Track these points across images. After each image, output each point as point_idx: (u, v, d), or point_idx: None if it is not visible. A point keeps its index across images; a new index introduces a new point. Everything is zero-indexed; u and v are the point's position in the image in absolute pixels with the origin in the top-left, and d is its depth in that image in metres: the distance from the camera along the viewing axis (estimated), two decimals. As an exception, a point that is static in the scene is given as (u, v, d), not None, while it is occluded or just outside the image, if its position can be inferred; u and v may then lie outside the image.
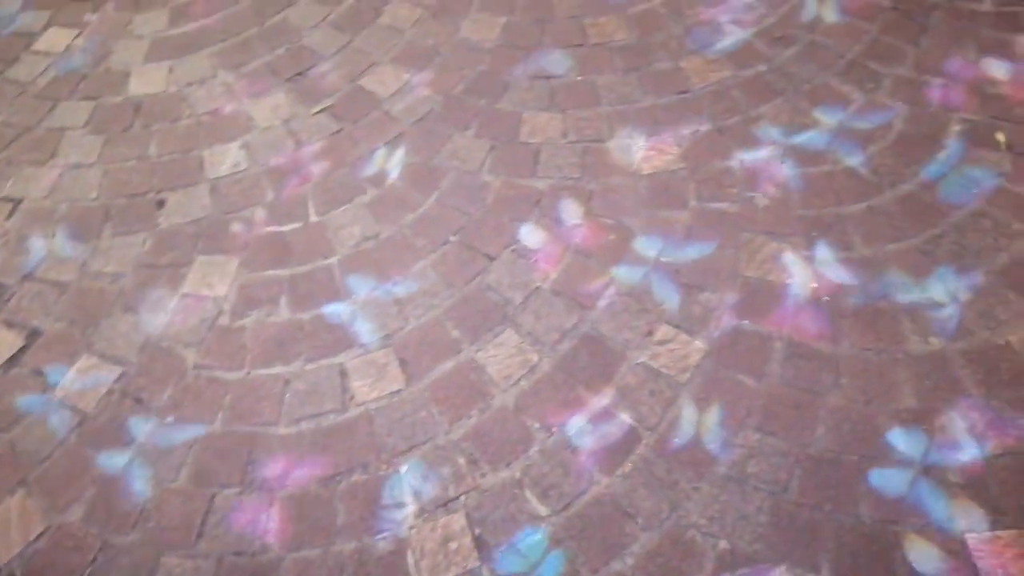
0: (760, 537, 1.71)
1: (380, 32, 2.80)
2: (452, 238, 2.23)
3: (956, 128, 2.39)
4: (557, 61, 2.64)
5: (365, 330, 2.06)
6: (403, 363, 1.98)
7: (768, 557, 1.68)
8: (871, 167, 2.30)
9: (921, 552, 1.67)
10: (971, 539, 1.69)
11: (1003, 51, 2.55)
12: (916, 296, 2.05)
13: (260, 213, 2.34)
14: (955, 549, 1.67)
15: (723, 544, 1.70)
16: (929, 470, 1.79)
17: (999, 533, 1.70)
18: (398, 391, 1.94)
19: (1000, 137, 2.39)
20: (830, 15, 2.69)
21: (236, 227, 2.31)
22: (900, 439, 1.83)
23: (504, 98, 2.56)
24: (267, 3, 2.96)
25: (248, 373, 1.99)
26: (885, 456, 1.81)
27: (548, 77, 2.60)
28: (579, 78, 2.59)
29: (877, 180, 2.26)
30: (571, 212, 2.26)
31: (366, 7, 2.91)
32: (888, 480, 1.78)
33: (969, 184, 2.26)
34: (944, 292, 2.04)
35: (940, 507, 1.73)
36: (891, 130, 2.39)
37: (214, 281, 2.17)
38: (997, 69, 2.52)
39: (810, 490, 1.77)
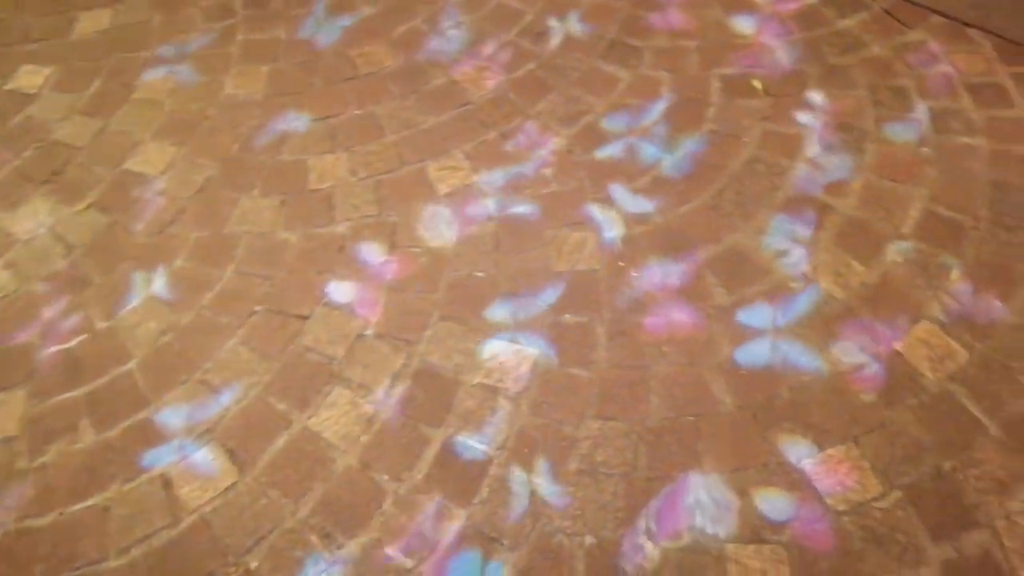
0: (622, 521, 1.75)
1: (136, 109, 2.62)
2: (258, 308, 2.13)
3: (717, 85, 2.55)
4: (327, 101, 2.59)
5: (181, 429, 1.92)
6: (231, 454, 1.87)
7: (637, 539, 1.73)
8: (651, 139, 2.42)
9: (770, 498, 1.77)
10: (807, 465, 1.82)
11: (746, 7, 2.76)
12: (713, 250, 2.17)
13: (39, 334, 2.13)
14: (798, 481, 1.79)
15: (589, 540, 1.73)
16: (757, 414, 1.91)
17: (829, 451, 1.84)
18: (231, 485, 1.82)
19: (757, 84, 2.57)
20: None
21: (15, 356, 2.10)
22: (724, 390, 1.94)
23: (284, 148, 2.48)
24: (4, 102, 2.70)
25: (60, 513, 1.80)
26: (715, 409, 1.90)
27: (326, 118, 2.55)
28: (358, 112, 2.55)
29: (660, 149, 2.38)
30: (377, 250, 2.22)
31: (116, 87, 2.72)
32: (727, 434, 1.88)
33: (737, 132, 2.42)
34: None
35: (775, 441, 1.85)
36: (661, 99, 2.52)
37: (1, 422, 1.95)
38: (743, 24, 2.72)
39: (657, 461, 1.84)
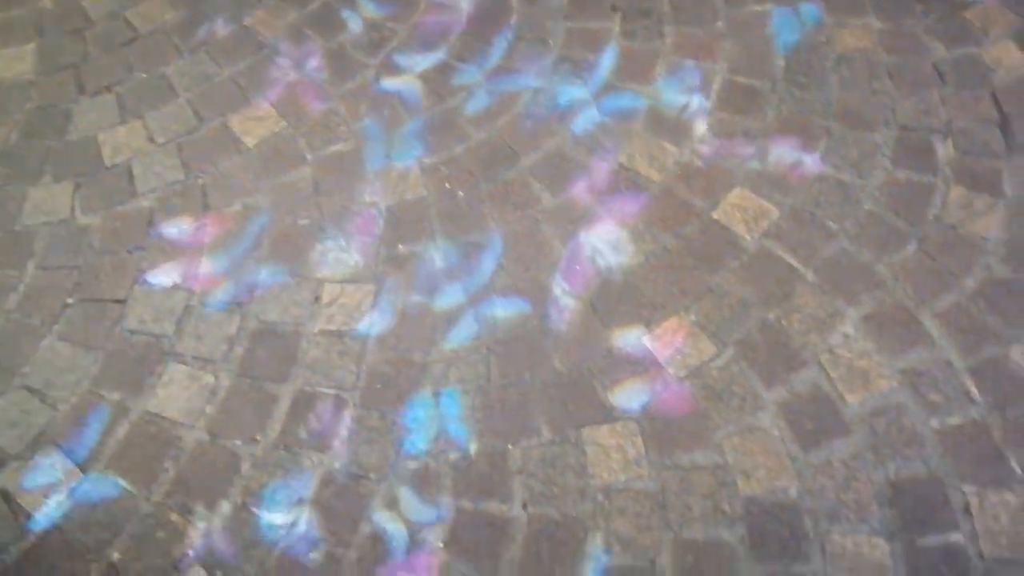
0: (482, 431, 1.80)
1: None
2: (70, 300, 1.99)
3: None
4: (108, 68, 2.40)
5: (13, 439, 1.80)
6: (70, 453, 1.78)
7: (494, 445, 1.78)
8: (453, 55, 2.38)
9: (621, 391, 1.86)
10: (646, 340, 1.91)
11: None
12: (535, 157, 2.19)
13: None
14: (642, 359, 1.88)
15: (453, 455, 1.77)
16: (595, 304, 1.98)
17: (662, 324, 1.93)
18: (77, 485, 1.75)
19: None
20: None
21: None
22: (559, 286, 1.99)
23: (69, 127, 2.29)
24: None
25: None
26: (555, 302, 1.96)
27: (109, 87, 2.36)
28: (144, 75, 2.37)
29: (467, 68, 2.35)
30: (189, 216, 2.11)
31: None
32: (573, 329, 1.95)
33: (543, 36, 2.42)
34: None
35: (615, 323, 1.93)
36: (462, 16, 2.47)
37: None
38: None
39: (508, 368, 1.88)
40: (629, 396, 1.83)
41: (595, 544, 1.66)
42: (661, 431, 1.79)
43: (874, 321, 1.91)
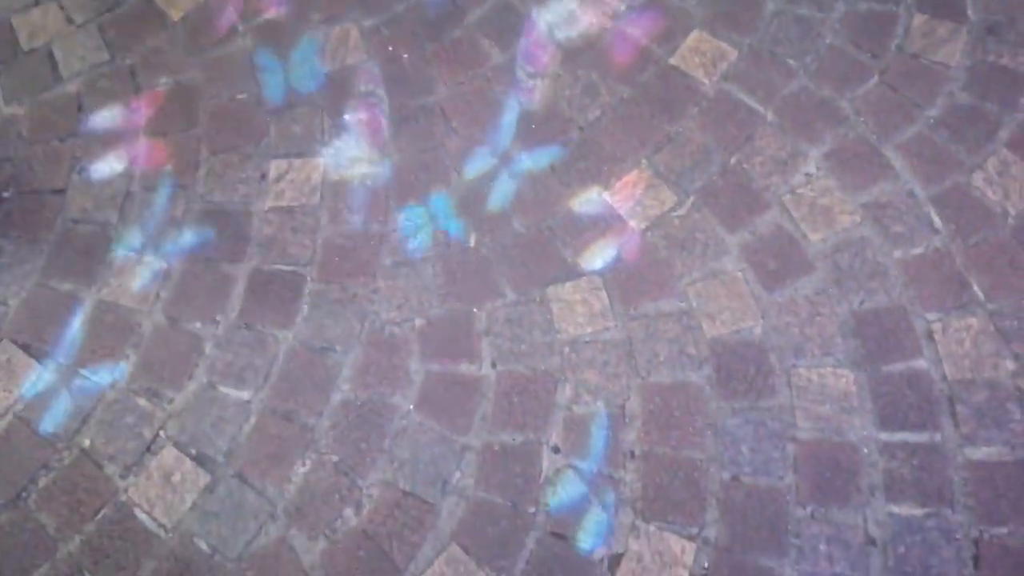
0: (446, 296, 1.78)
1: None
2: (6, 194, 1.87)
3: None
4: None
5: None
6: (26, 347, 1.73)
7: (459, 309, 1.76)
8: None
9: (583, 248, 1.83)
10: (606, 195, 1.87)
11: None
12: (480, 12, 2.07)
13: None
14: (603, 214, 1.84)
15: (419, 321, 1.76)
16: (555, 166, 1.92)
17: (622, 178, 1.89)
18: (37, 378, 1.72)
19: None
20: None
21: None
22: (519, 147, 1.92)
23: (-21, 13, 2.12)
24: None
25: None
26: (512, 162, 1.90)
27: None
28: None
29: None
30: (120, 98, 1.99)
31: None
32: (527, 188, 1.90)
33: None
34: None
35: (574, 183, 1.89)
36: None
37: None
38: None
39: (469, 231, 1.84)
40: (592, 252, 1.81)
41: (565, 394, 1.68)
42: (625, 283, 1.78)
43: (836, 158, 1.87)
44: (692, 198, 1.85)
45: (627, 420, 1.65)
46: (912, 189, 1.83)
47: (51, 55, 2.03)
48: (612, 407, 1.66)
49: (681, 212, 1.84)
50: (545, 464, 1.63)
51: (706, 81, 1.96)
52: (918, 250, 1.77)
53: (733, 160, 1.88)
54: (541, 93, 1.97)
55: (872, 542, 1.54)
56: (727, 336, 1.72)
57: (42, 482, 1.62)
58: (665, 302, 1.76)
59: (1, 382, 1.70)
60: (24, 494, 1.62)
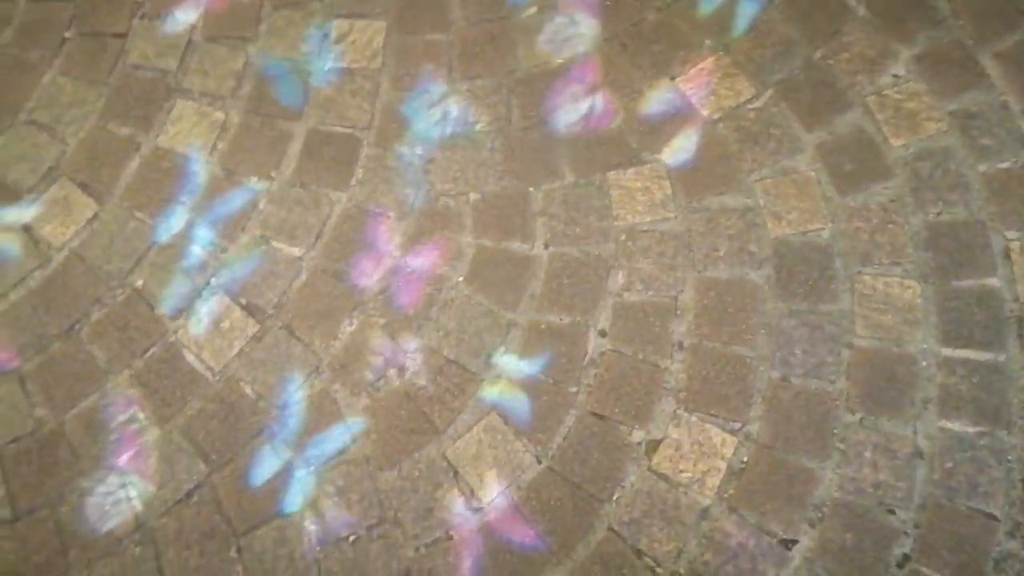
0: (503, 174, 1.73)
1: None
2: (68, 34, 1.88)
3: None
4: None
5: (25, 172, 1.77)
6: (84, 186, 1.74)
7: (516, 187, 1.72)
8: None
9: (649, 133, 1.75)
10: (679, 81, 1.78)
11: None
12: None
13: None
14: (674, 100, 1.76)
15: (473, 196, 1.72)
16: (626, 44, 1.83)
17: (697, 64, 1.79)
18: (94, 216, 1.73)
19: None
20: None
21: None
22: (592, 24, 1.83)
23: None
24: None
25: (-82, 278, 1.71)
26: (587, 49, 1.82)
27: None
28: None
29: None
30: (190, -53, 1.94)
31: None
32: (601, 67, 1.81)
33: None
34: None
35: (644, 61, 1.80)
36: None
37: None
38: None
39: (530, 110, 1.78)
40: (658, 139, 1.74)
41: (616, 281, 1.64)
42: (690, 174, 1.71)
43: (927, 61, 1.75)
44: (770, 91, 1.75)
45: (679, 312, 1.62)
46: (1006, 101, 1.70)
47: None
48: (664, 297, 1.62)
49: (757, 104, 1.75)
50: (591, 346, 1.61)
51: (797, -31, 1.84)
52: (1005, 164, 1.66)
53: (818, 55, 1.77)
54: (619, -30, 1.87)
55: (919, 454, 1.50)
56: (792, 237, 1.65)
57: (95, 316, 1.66)
58: (730, 197, 1.69)
59: (59, 218, 1.72)
60: (77, 326, 1.65)
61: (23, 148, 1.77)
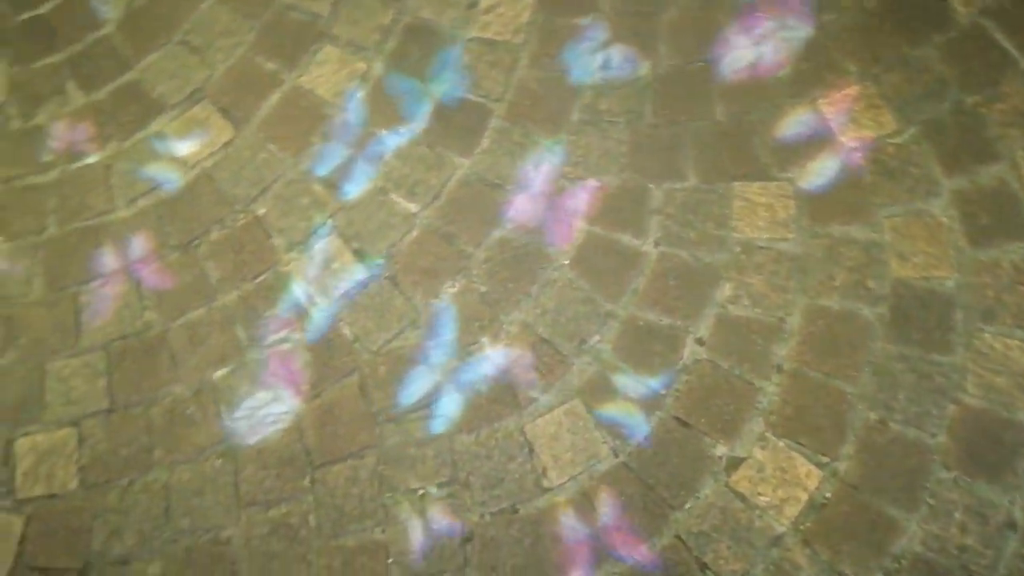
0: (625, 166, 1.72)
1: None
2: (233, -35, 1.97)
3: None
4: None
5: (171, 89, 1.86)
6: (224, 112, 1.81)
7: (636, 182, 1.71)
8: None
9: (783, 151, 1.72)
10: (822, 103, 1.74)
11: None
12: None
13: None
14: (813, 122, 1.72)
15: (592, 183, 1.72)
16: (761, 66, 1.80)
17: (843, 89, 1.75)
18: (229, 141, 1.80)
19: None
20: None
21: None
22: (738, 31, 1.81)
23: None
24: None
25: (62, 170, 1.80)
26: (729, 52, 1.79)
27: None
28: None
29: None
30: (359, -99, 2.00)
31: None
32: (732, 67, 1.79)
33: None
34: None
35: (789, 81, 1.76)
36: None
37: (-14, 89, 1.90)
38: None
39: (664, 108, 1.77)
40: (790, 157, 1.70)
41: (724, 292, 1.62)
42: (818, 198, 1.67)
43: (1092, 125, 1.67)
44: (914, 128, 1.69)
45: (783, 334, 1.58)
46: None
47: None
48: (771, 317, 1.59)
49: (899, 140, 1.69)
50: (686, 352, 1.58)
51: (962, 10, 1.77)
52: None
53: (970, 100, 1.70)
54: (777, -17, 1.84)
55: (1012, 526, 1.43)
56: (915, 280, 1.59)
57: (214, 235, 1.72)
58: (856, 228, 1.64)
59: (196, 137, 1.80)
60: (196, 242, 1.72)
61: (173, 67, 1.86)
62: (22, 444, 1.60)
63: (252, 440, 1.56)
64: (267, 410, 1.59)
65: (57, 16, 1.94)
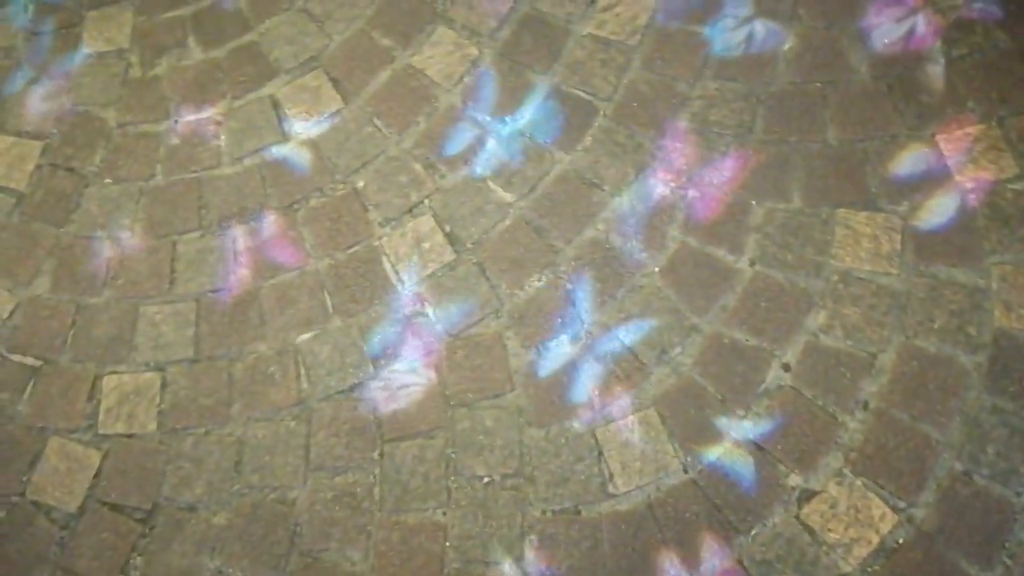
0: (728, 180, 1.69)
1: None
2: (359, -61, 1.99)
3: None
4: None
5: (287, 54, 1.89)
6: (335, 82, 1.84)
7: (738, 197, 1.67)
8: None
9: (893, 183, 1.66)
10: (940, 138, 1.68)
11: None
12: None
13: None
14: (928, 156, 1.66)
15: (692, 192, 1.69)
16: (893, 85, 1.74)
17: (965, 126, 1.69)
18: (337, 111, 1.82)
19: None
20: None
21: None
22: (861, 59, 1.75)
23: None
24: None
25: (176, 122, 1.86)
26: (850, 80, 1.74)
27: None
28: None
29: None
30: None
31: None
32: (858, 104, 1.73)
33: None
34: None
35: (909, 109, 1.70)
36: None
37: (113, 35, 1.96)
38: None
39: (775, 125, 1.73)
40: (901, 190, 1.65)
41: (816, 320, 1.58)
42: (925, 236, 1.61)
43: None
44: (1037, 176, 1.63)
45: (874, 371, 1.53)
46: None
47: None
48: (863, 352, 1.54)
49: (1018, 187, 1.62)
50: (770, 376, 1.55)
51: (1105, 58, 1.69)
52: None
53: (1102, 153, 1.63)
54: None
55: (1096, 603, 1.37)
56: (1019, 332, 1.52)
57: (312, 202, 1.75)
58: (962, 271, 1.58)
59: (306, 104, 1.83)
60: (295, 206, 1.76)
61: (291, 32, 1.90)
62: (108, 381, 1.65)
63: (327, 406, 1.59)
64: (347, 379, 1.62)
65: (186, -29, 2.01)
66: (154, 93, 1.87)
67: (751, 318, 1.59)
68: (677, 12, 1.83)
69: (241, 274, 1.71)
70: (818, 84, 1.74)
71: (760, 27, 1.80)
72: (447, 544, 1.50)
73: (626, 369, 1.58)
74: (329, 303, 1.67)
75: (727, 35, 1.80)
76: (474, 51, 1.84)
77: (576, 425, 1.55)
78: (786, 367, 1.56)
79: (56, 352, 1.68)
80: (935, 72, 1.72)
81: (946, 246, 1.60)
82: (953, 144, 1.67)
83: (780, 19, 1.80)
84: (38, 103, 1.89)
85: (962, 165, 1.66)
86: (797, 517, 1.46)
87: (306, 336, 1.64)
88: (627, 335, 1.60)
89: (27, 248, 1.76)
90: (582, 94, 1.79)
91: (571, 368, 1.58)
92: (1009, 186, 1.63)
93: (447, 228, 1.70)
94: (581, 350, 1.59)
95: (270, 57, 1.88)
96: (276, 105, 1.83)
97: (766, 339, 1.57)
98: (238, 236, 1.74)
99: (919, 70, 1.73)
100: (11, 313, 1.71)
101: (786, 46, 1.78)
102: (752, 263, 1.63)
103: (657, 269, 1.64)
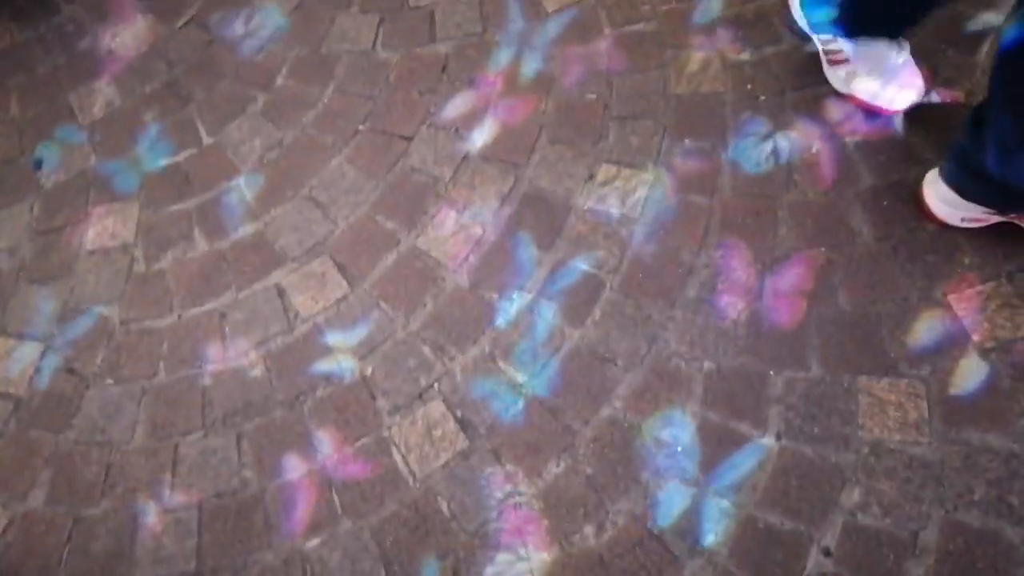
0: (743, 349, 1.66)
1: (230, -76, 2.50)
2: (361, 127, 2.05)
3: None
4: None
5: (293, 242, 1.91)
6: (341, 267, 1.85)
7: (755, 367, 1.64)
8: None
9: (912, 346, 1.64)
10: (952, 299, 1.67)
11: None
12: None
13: (147, 148, 2.12)
14: (942, 317, 1.65)
15: (708, 365, 1.66)
16: (897, 247, 1.75)
17: (975, 287, 1.68)
18: (343, 297, 1.82)
19: None
20: None
21: (126, 168, 2.10)
22: (863, 221, 1.77)
23: (383, -35, 2.33)
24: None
25: (179, 316, 1.84)
26: (851, 240, 1.76)
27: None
28: (456, -76, 2.35)
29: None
30: (483, 70, 2.09)
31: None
32: (865, 267, 1.74)
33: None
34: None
35: (916, 270, 1.70)
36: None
37: (118, 230, 1.98)
38: None
39: (783, 292, 1.72)
40: (920, 354, 1.62)
41: (852, 497, 1.50)
42: (951, 400, 1.56)
43: None
44: (1056, 333, 1.61)
45: (917, 551, 1.44)
46: None
47: (432, 15, 2.18)
48: (903, 530, 1.46)
49: (1038, 344, 1.60)
50: (810, 563, 1.46)
51: (1102, 210, 1.71)
52: None
53: (1117, 307, 1.61)
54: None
55: None
56: (1064, 501, 1.45)
57: (320, 392, 1.71)
58: (994, 437, 1.52)
59: (312, 291, 1.82)
60: (302, 398, 1.71)
61: (297, 220, 1.92)
62: (103, 598, 1.55)
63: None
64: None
65: (193, 164, 2.05)
66: (158, 288, 1.87)
67: (784, 499, 1.51)
68: (678, 184, 1.86)
69: (246, 475, 1.64)
70: (823, 248, 1.75)
71: (758, 193, 1.84)
72: None
73: (657, 562, 1.48)
74: (338, 503, 1.59)
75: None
76: (478, 230, 1.86)
77: (608, 628, 1.44)
78: (826, 551, 1.46)
79: (51, 573, 1.58)
80: (937, 231, 1.74)
81: (975, 411, 1.55)
82: (965, 304, 1.66)
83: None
84: (39, 303, 1.88)
85: (977, 324, 1.63)
86: None
87: (314, 542, 1.55)
88: (653, 522, 1.52)
89: (23, 458, 1.69)
90: (587, 268, 1.79)
91: (597, 564, 1.48)
92: (1029, 344, 1.61)
93: (459, 413, 1.65)
94: (608, 545, 1.50)
95: (276, 245, 1.89)
96: (282, 293, 1.83)
97: (802, 521, 1.49)
98: (242, 434, 1.68)
99: (921, 230, 1.74)
100: (4, 529, 1.62)
101: (789, 195, 1.81)
102: (778, 437, 1.57)
103: (680, 448, 1.58)
